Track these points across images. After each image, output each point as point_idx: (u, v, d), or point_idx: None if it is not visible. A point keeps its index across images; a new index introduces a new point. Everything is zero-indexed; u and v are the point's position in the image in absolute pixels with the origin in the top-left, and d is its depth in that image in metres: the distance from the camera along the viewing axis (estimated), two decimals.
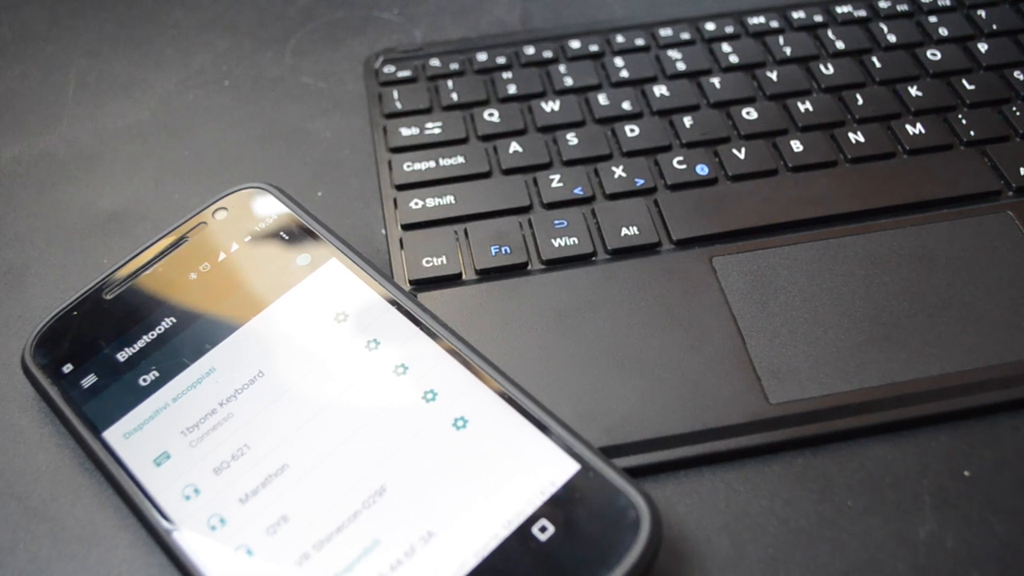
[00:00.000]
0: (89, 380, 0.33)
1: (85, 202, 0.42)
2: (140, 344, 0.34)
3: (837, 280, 0.36)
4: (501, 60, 0.45)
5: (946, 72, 0.43)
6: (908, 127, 0.41)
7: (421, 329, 0.33)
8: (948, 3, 0.47)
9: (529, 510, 0.29)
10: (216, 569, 0.29)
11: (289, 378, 0.33)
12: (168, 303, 0.35)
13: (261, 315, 0.34)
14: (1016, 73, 0.43)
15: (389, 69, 0.45)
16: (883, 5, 0.47)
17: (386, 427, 0.31)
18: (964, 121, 0.41)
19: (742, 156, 0.40)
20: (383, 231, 0.40)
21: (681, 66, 0.44)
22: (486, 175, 0.41)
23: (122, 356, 0.33)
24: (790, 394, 0.33)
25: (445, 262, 0.37)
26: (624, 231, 0.38)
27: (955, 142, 0.41)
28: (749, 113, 0.42)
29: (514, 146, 0.41)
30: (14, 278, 0.39)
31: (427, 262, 0.37)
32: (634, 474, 0.31)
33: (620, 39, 0.46)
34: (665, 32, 0.46)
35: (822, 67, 0.44)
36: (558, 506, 0.29)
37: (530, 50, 0.46)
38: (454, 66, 0.45)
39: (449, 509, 0.29)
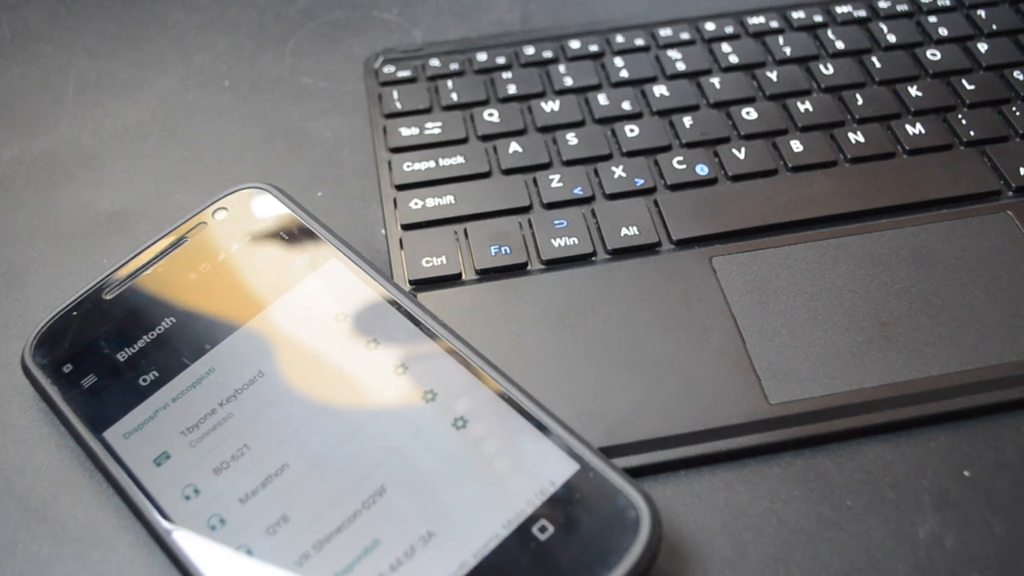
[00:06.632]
0: (89, 380, 0.33)
1: (85, 202, 0.42)
2: (140, 344, 0.34)
3: (837, 280, 0.36)
4: (501, 60, 0.45)
5: (946, 72, 0.43)
6: (908, 127, 0.41)
7: (421, 329, 0.33)
8: (948, 3, 0.47)
9: (529, 510, 0.29)
10: (216, 569, 0.29)
11: (289, 378, 0.33)
12: (168, 303, 0.35)
13: (261, 315, 0.34)
14: (1016, 73, 0.43)
15: (389, 69, 0.45)
16: (883, 5, 0.47)
17: (386, 427, 0.31)
18: (964, 121, 0.41)
19: (742, 156, 0.40)
20: (383, 231, 0.40)
21: (681, 66, 0.44)
22: (486, 175, 0.41)
23: (122, 356, 0.33)
24: (790, 394, 0.33)
25: (445, 262, 0.37)
26: (624, 231, 0.38)
27: (955, 142, 0.41)
28: (749, 113, 0.42)
29: (514, 146, 0.41)
30: (14, 278, 0.39)
31: (427, 262, 0.37)
32: (634, 474, 0.31)
33: (620, 39, 0.46)
34: (665, 32, 0.46)
35: (822, 67, 0.44)
36: (558, 506, 0.29)
37: (530, 50, 0.46)
38: (454, 66, 0.45)
39: (449, 509, 0.29)
